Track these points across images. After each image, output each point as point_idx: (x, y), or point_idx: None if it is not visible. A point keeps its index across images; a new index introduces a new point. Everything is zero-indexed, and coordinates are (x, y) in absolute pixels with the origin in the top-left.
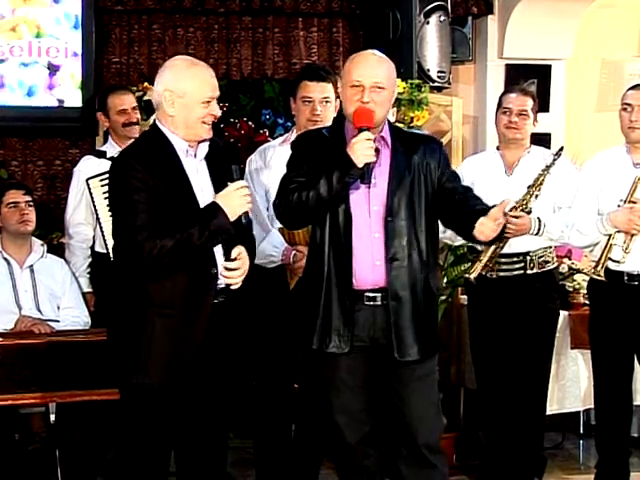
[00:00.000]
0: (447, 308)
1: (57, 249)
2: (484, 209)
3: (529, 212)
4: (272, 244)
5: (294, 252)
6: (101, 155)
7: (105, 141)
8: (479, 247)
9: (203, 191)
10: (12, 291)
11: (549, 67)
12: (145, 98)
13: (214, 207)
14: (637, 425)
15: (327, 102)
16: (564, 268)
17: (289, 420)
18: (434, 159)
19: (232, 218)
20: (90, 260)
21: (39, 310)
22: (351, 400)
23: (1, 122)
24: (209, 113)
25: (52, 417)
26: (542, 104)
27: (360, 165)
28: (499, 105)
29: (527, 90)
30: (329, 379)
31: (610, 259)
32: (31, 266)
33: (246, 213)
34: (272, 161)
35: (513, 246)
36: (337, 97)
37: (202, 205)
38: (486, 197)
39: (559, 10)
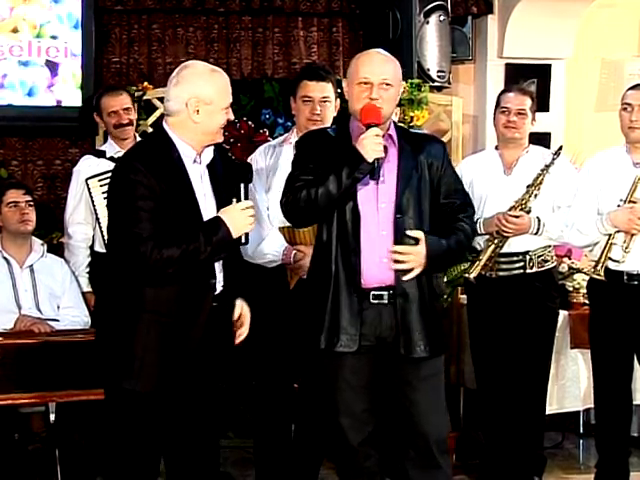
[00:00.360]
0: (447, 308)
1: (57, 249)
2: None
3: (528, 211)
4: (272, 244)
5: (294, 252)
6: (100, 155)
7: (105, 141)
8: (478, 247)
9: (205, 197)
10: (12, 290)
11: (549, 67)
12: (145, 98)
13: (218, 222)
14: (637, 425)
15: (327, 102)
16: (564, 268)
17: (289, 420)
18: (438, 159)
19: (235, 236)
20: (90, 260)
21: (39, 309)
22: (354, 400)
23: (1, 122)
24: (227, 118)
25: (52, 417)
26: (542, 104)
27: (370, 160)
28: (497, 104)
29: (525, 89)
30: (333, 379)
31: (610, 259)
32: (31, 266)
33: (246, 233)
34: (273, 161)
35: (512, 245)
36: (337, 97)
37: (204, 211)
38: (485, 196)
39: (559, 10)
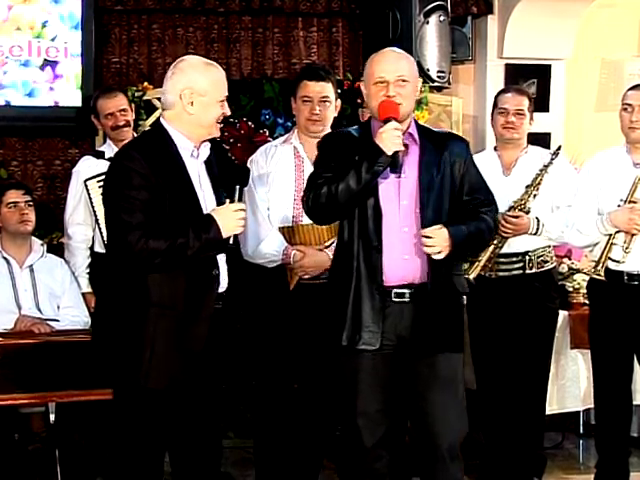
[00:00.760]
0: None
1: (57, 249)
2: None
3: (527, 212)
4: (272, 244)
5: (294, 252)
6: (100, 155)
7: (104, 141)
8: None
9: (205, 192)
10: (12, 290)
11: (549, 67)
12: (145, 98)
13: (210, 221)
14: (637, 425)
15: (326, 102)
16: (564, 268)
17: (289, 420)
18: (460, 157)
19: (225, 236)
20: (89, 260)
21: (39, 309)
22: (370, 400)
23: (1, 122)
24: (223, 112)
25: (52, 417)
26: (542, 104)
27: (389, 152)
28: (495, 105)
29: (522, 89)
30: (351, 378)
31: (610, 259)
32: (31, 266)
33: (235, 236)
34: (273, 161)
35: (512, 246)
36: (337, 97)
37: (204, 205)
38: None
39: (559, 10)
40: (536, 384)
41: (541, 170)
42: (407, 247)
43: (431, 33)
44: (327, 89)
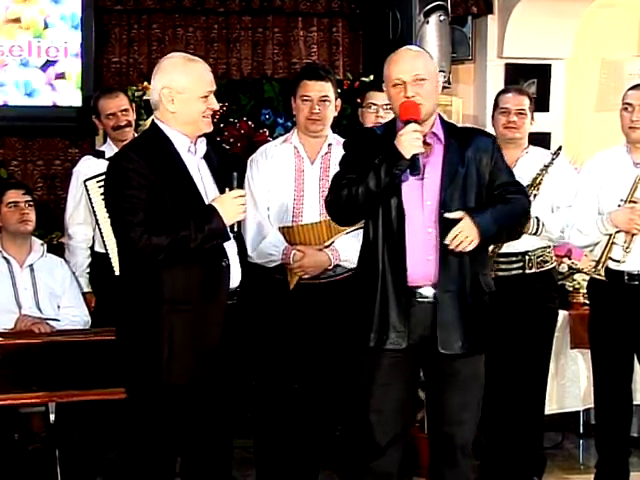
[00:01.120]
0: None
1: (57, 249)
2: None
3: None
4: (272, 244)
5: (294, 252)
6: (100, 155)
7: (105, 141)
8: None
9: (206, 187)
10: (12, 290)
11: (549, 67)
12: (145, 98)
13: (211, 211)
14: (637, 425)
15: (326, 101)
16: (564, 268)
17: (289, 420)
18: (487, 153)
19: (227, 224)
20: (90, 260)
21: (39, 309)
22: (386, 399)
23: (1, 122)
24: (208, 107)
25: (52, 417)
26: (542, 104)
27: (407, 156)
28: (496, 105)
29: (523, 89)
30: (372, 377)
31: (610, 259)
32: (31, 265)
33: (238, 223)
34: (273, 161)
35: (511, 246)
36: (337, 97)
37: (206, 199)
38: None
39: (559, 10)
40: (536, 384)
41: (541, 170)
42: (431, 248)
43: (431, 33)
44: (327, 88)
